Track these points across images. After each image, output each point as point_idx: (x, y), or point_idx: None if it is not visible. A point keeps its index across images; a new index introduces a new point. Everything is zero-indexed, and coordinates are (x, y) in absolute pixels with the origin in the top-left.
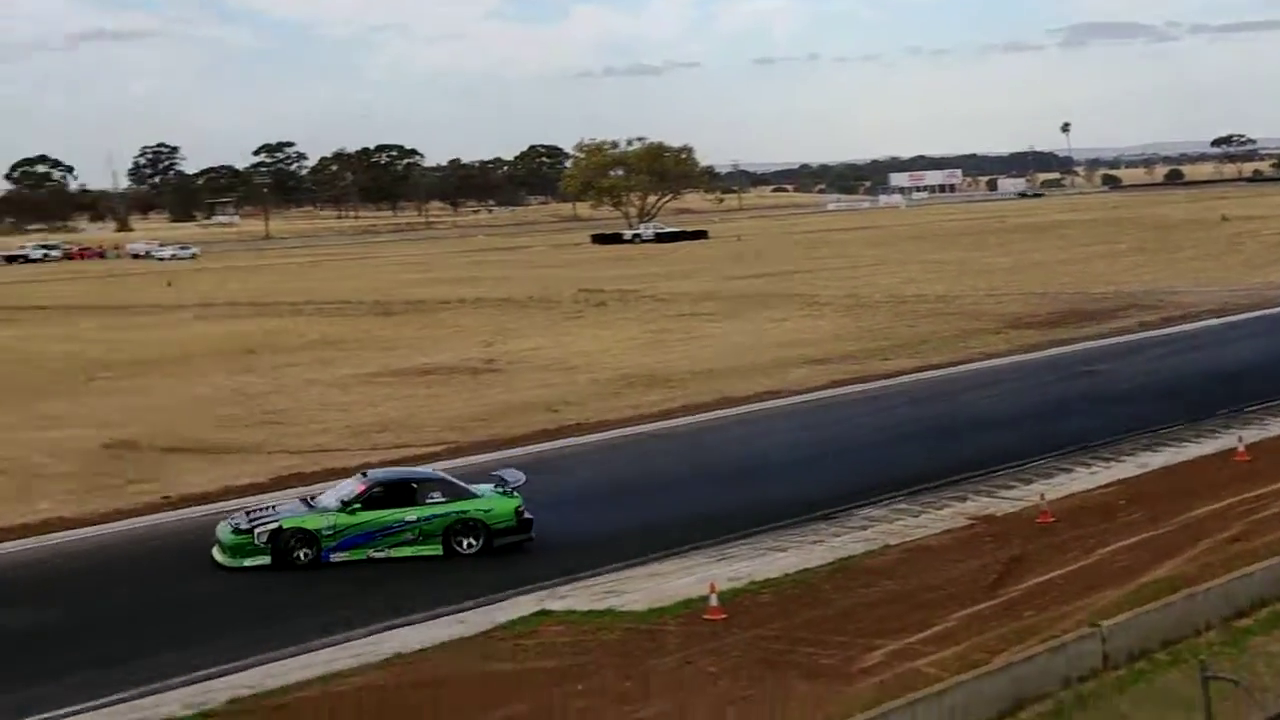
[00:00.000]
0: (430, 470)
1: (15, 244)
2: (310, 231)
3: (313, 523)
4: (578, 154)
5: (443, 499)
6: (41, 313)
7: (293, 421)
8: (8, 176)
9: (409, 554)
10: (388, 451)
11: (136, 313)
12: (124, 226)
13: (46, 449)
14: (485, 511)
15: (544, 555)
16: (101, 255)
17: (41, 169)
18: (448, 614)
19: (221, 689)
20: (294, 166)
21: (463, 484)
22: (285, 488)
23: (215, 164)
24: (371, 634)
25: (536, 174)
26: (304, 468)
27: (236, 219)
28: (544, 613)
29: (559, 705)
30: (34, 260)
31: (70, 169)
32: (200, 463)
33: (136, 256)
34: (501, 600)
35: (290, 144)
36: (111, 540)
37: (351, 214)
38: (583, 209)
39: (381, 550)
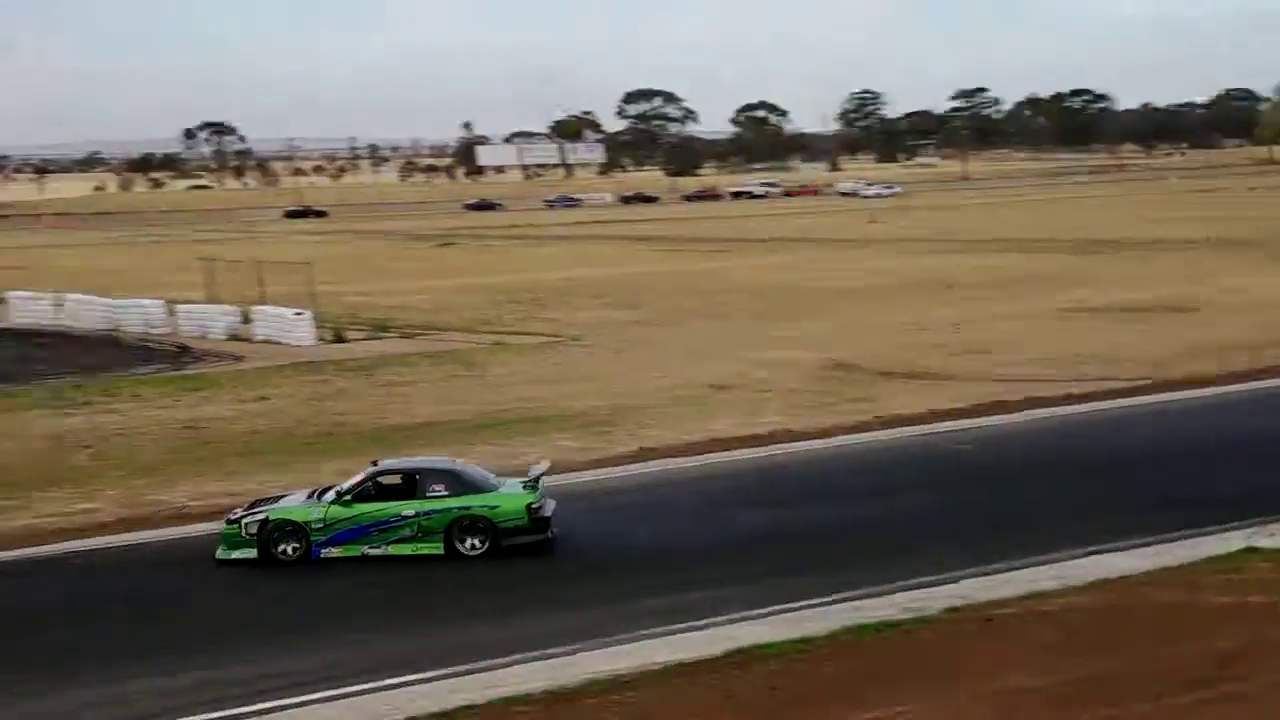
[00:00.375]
0: (448, 460)
1: (741, 181)
2: (1004, 173)
3: (301, 515)
4: (1274, 97)
5: (445, 492)
6: (768, 245)
7: (993, 351)
8: (733, 120)
9: (408, 552)
10: (1091, 384)
11: (846, 246)
12: (833, 167)
13: (773, 368)
14: (491, 508)
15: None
16: (815, 193)
17: (761, 113)
18: (1146, 544)
19: (938, 598)
20: (989, 111)
21: (479, 476)
22: (987, 415)
23: (916, 108)
24: (1073, 558)
25: (1231, 117)
26: (1005, 396)
27: (936, 160)
28: (1251, 550)
29: (1272, 641)
30: (757, 196)
31: (785, 113)
32: (908, 387)
33: (844, 194)
34: (1203, 535)
35: (985, 89)
36: (826, 453)
37: (1044, 156)
38: None
39: (378, 547)
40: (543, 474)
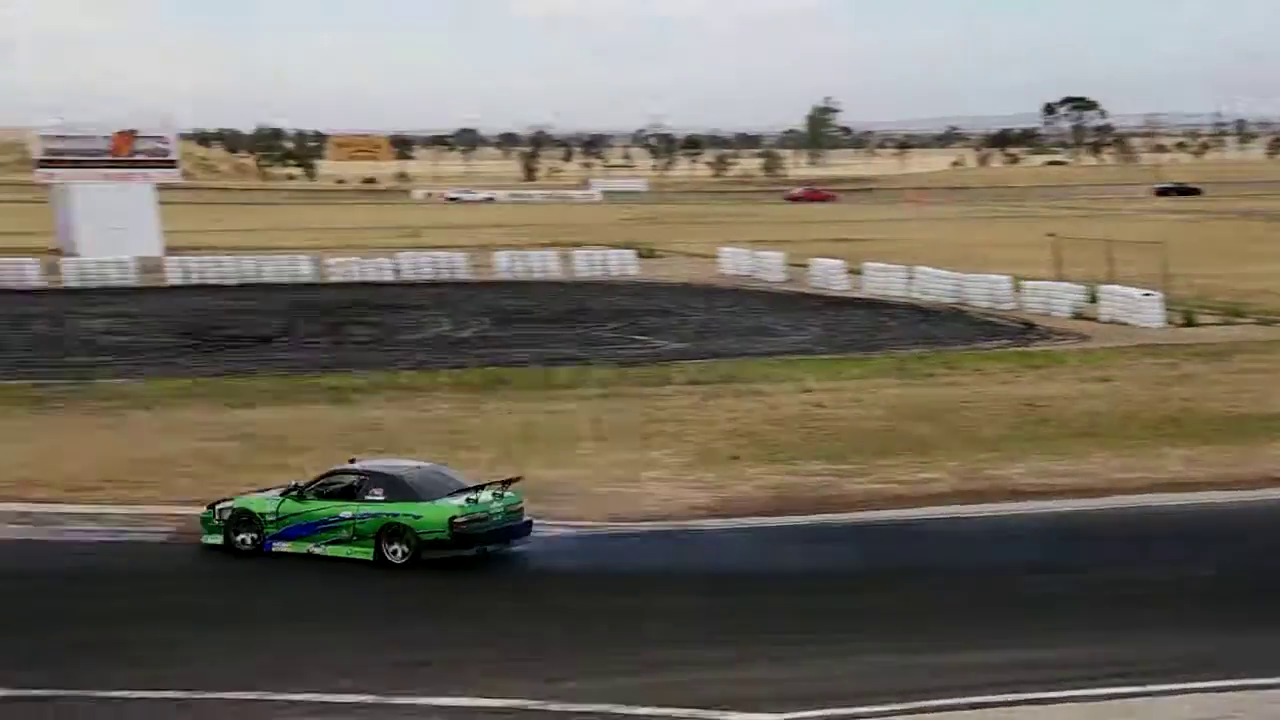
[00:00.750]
0: (411, 464)
1: None
2: None
3: (257, 506)
4: None
5: (382, 498)
6: None
7: None
8: None
9: (343, 554)
10: None
11: None
12: None
13: None
14: (414, 518)
15: None
16: None
17: None
18: None
19: None
20: None
21: (427, 483)
22: None
23: None
24: None
25: None
26: None
27: None
28: None
29: None
30: None
31: None
32: None
33: None
34: None
35: None
36: None
37: None
38: None
39: (320, 546)
40: (484, 486)
